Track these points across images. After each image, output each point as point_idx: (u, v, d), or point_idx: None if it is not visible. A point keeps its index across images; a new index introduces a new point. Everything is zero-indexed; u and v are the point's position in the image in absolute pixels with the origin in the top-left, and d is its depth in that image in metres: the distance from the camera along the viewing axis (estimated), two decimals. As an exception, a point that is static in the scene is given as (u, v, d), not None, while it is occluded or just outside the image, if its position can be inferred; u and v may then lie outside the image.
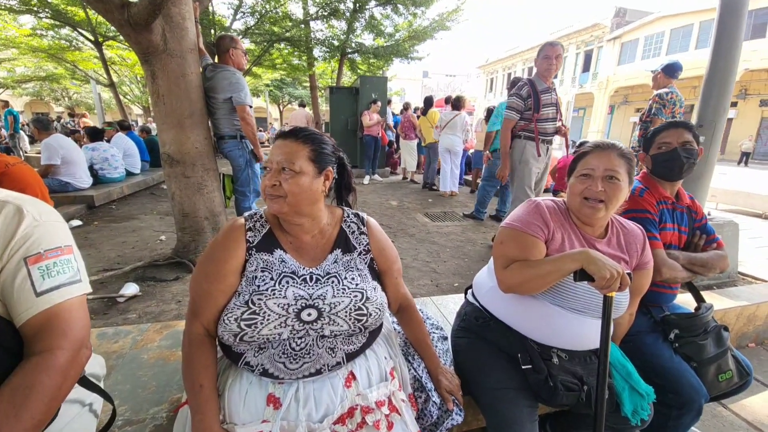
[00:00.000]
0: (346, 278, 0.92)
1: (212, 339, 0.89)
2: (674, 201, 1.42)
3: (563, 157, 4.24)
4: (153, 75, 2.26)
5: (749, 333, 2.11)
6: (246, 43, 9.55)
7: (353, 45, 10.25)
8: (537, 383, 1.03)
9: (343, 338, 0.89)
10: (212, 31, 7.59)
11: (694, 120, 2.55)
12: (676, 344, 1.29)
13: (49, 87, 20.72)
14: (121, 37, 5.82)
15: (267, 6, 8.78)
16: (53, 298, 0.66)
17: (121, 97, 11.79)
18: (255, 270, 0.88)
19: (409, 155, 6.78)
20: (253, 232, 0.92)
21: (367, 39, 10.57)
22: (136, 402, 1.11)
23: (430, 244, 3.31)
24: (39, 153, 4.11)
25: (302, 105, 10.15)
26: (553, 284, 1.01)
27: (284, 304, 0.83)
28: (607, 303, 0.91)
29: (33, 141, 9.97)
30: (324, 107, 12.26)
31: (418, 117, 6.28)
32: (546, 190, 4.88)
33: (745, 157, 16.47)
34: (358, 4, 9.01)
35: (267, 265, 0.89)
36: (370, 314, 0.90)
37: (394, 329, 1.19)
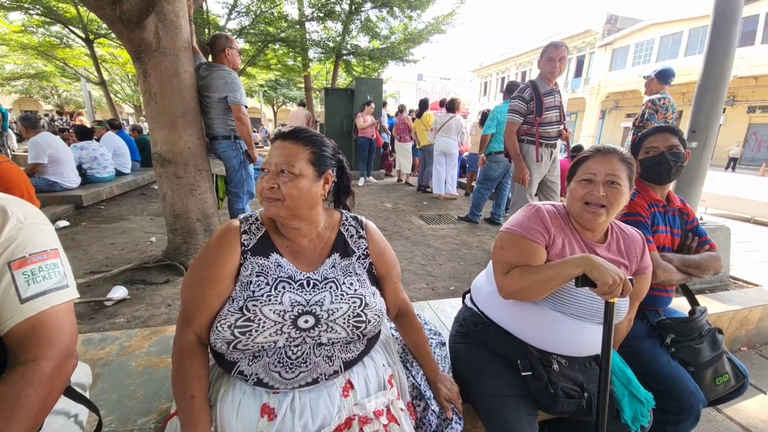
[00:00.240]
0: (344, 283, 0.89)
1: (204, 347, 0.85)
2: (665, 204, 1.44)
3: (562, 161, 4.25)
4: (145, 73, 2.21)
5: (741, 337, 2.13)
6: (240, 43, 9.49)
7: (349, 47, 10.25)
8: (537, 390, 1.02)
9: (340, 346, 0.87)
10: (206, 30, 7.54)
11: (683, 126, 2.58)
12: (673, 349, 1.29)
13: (38, 84, 20.39)
14: (113, 35, 5.73)
15: (262, 6, 8.75)
16: (39, 305, 0.63)
17: (112, 96, 11.65)
18: (250, 275, 0.85)
19: (404, 157, 6.77)
20: (248, 235, 0.89)
21: (363, 41, 10.60)
22: (123, 412, 1.07)
23: (425, 247, 3.30)
24: (27, 151, 4.00)
25: (302, 104, 10.05)
26: (554, 290, 0.99)
27: (280, 311, 0.80)
28: (609, 309, 0.90)
29: (21, 139, 9.76)
30: (319, 108, 12.23)
31: (413, 119, 6.28)
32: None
33: (733, 163, 16.85)
34: (353, 6, 9.02)
35: (262, 270, 0.86)
36: (369, 321, 0.87)
37: (392, 335, 1.17)
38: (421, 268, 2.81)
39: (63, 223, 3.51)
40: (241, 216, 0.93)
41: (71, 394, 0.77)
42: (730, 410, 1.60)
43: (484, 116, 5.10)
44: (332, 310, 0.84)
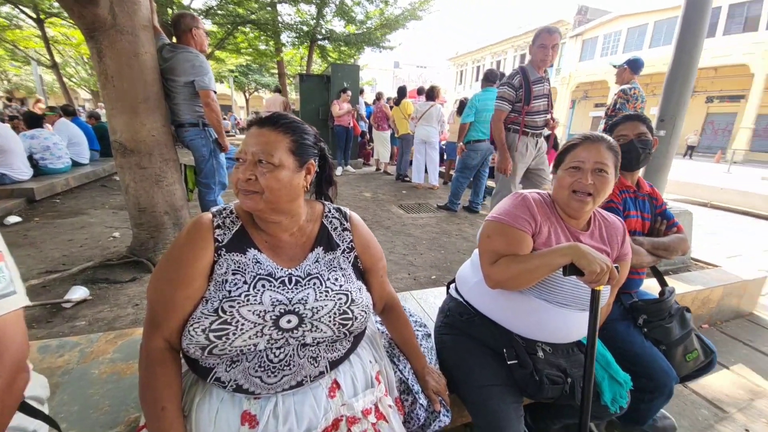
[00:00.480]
0: (329, 279, 0.84)
1: (175, 353, 0.78)
2: (636, 189, 1.48)
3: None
4: (100, 53, 2.01)
5: (704, 315, 2.26)
6: (207, 24, 8.95)
7: (323, 31, 9.94)
8: (523, 378, 1.02)
9: (326, 345, 0.82)
10: (169, 10, 7.03)
11: (650, 114, 2.65)
12: (645, 329, 1.34)
13: (-15, 69, 18.51)
14: (66, 14, 5.24)
15: (230, -15, 8.27)
16: None
17: (66, 80, 10.75)
18: (225, 273, 0.78)
19: (382, 146, 6.69)
20: (222, 229, 0.81)
21: (338, 26, 10.31)
22: (86, 425, 0.98)
23: (405, 237, 3.28)
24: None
25: (278, 90, 9.69)
26: (541, 279, 0.99)
27: (260, 311, 0.74)
28: (596, 296, 0.90)
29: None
30: (294, 95, 11.85)
31: (391, 107, 6.19)
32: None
33: (691, 150, 17.90)
34: (328, -12, 8.71)
35: (239, 267, 0.79)
36: (356, 317, 0.83)
37: (378, 330, 1.13)
38: (402, 257, 2.79)
39: (14, 218, 3.21)
40: (214, 209, 0.85)
41: (26, 409, 0.69)
42: (697, 386, 1.70)
43: (462, 105, 5.09)
44: (317, 308, 0.79)
